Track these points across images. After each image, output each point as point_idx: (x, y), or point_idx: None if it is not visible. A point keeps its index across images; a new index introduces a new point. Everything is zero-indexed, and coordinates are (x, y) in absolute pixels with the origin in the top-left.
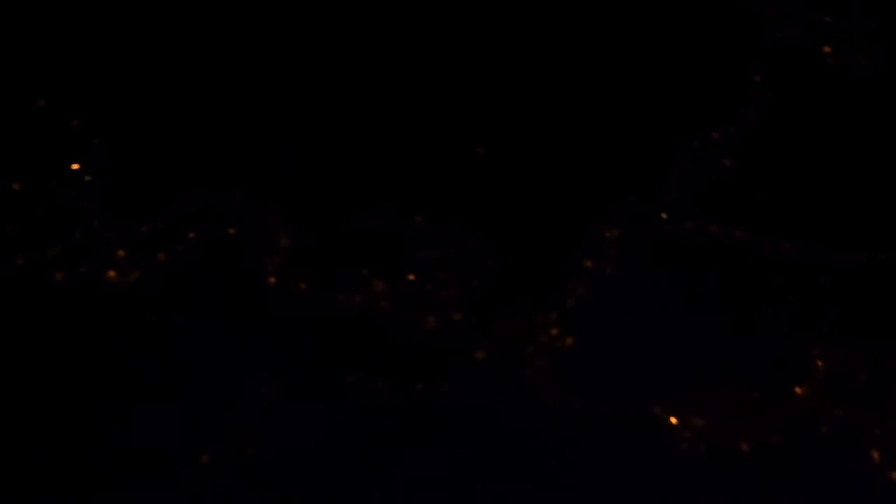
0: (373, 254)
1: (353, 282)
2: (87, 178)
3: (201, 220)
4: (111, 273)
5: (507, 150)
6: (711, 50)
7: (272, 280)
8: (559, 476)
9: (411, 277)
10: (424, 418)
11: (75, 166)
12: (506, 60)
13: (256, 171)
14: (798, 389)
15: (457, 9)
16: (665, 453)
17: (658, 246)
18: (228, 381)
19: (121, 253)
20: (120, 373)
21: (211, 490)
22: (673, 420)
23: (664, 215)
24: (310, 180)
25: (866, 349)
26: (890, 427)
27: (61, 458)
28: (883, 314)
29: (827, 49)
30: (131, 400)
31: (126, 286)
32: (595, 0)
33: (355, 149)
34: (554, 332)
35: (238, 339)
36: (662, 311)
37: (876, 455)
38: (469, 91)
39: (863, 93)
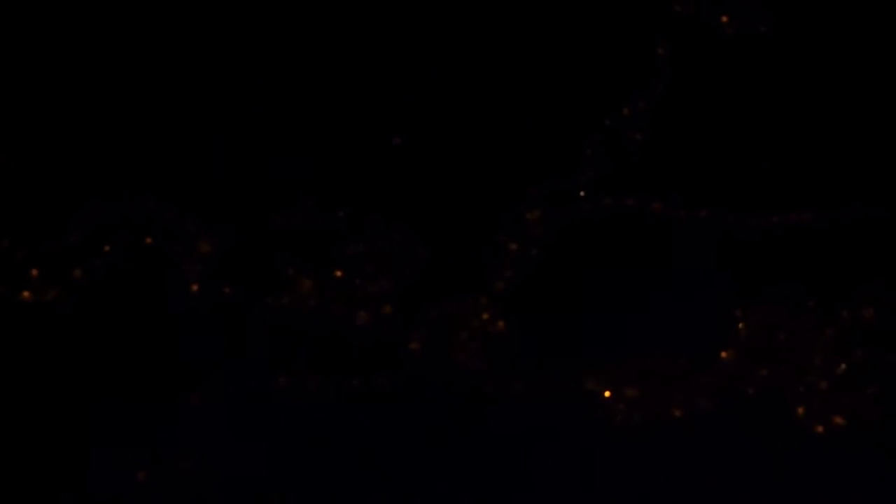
0: (297, 252)
1: (279, 282)
2: None
3: (115, 231)
4: (26, 294)
5: (423, 138)
6: (616, 26)
7: (195, 287)
8: (502, 459)
9: (339, 273)
10: (361, 414)
11: None
12: (414, 47)
13: (167, 175)
14: (723, 353)
15: None
16: (601, 426)
17: (578, 223)
18: (156, 392)
19: (34, 272)
20: (47, 392)
21: None
22: (606, 393)
23: (582, 193)
24: (226, 180)
25: (784, 309)
26: (811, 383)
27: None
28: (797, 274)
29: (724, 18)
30: (62, 418)
31: (43, 305)
32: None
33: (270, 145)
34: (485, 316)
35: (163, 349)
36: (587, 287)
37: (800, 411)
38: (381, 80)
39: (761, 59)
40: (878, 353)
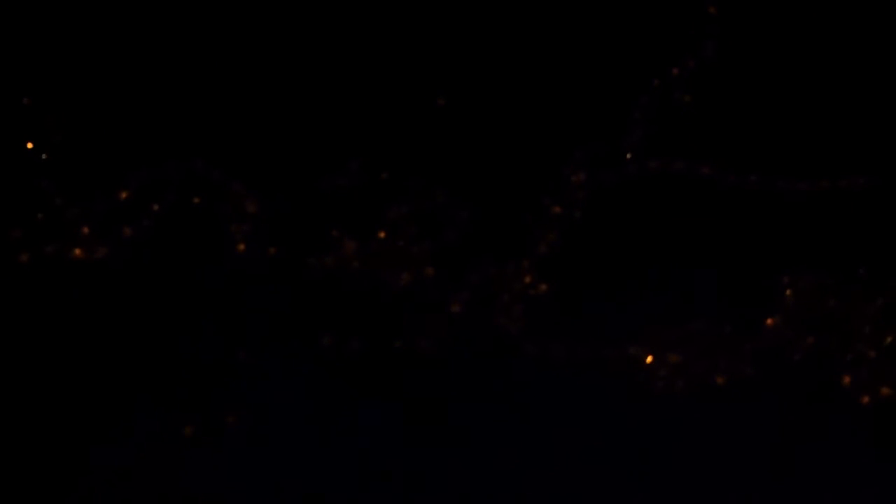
0: (341, 214)
1: (323, 243)
2: (44, 156)
3: (163, 192)
4: (77, 251)
5: (467, 100)
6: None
7: (241, 247)
8: (543, 422)
9: (382, 235)
10: (403, 376)
11: (30, 145)
12: (458, 9)
13: (216, 138)
14: (769, 321)
15: None
16: (643, 391)
17: (624, 186)
18: (205, 351)
19: (85, 230)
20: (95, 351)
21: (195, 460)
22: (649, 359)
23: (629, 155)
24: (272, 143)
25: (834, 277)
26: (859, 352)
27: (35, 440)
28: (848, 241)
29: None
30: (109, 377)
31: (93, 263)
32: None
33: (316, 108)
34: (528, 279)
35: (211, 308)
36: (631, 252)
37: (847, 380)
38: (426, 42)
39: (815, 20)
40: None
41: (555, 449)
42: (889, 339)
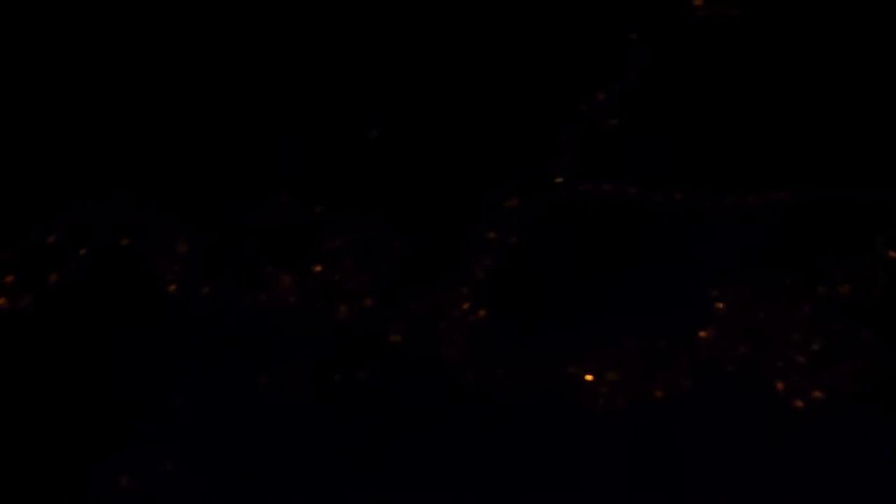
0: (275, 249)
1: (257, 280)
2: None
3: (90, 234)
4: (1, 300)
5: (399, 131)
6: (589, 12)
7: (172, 288)
8: (487, 448)
9: (318, 268)
10: (344, 409)
11: None
12: (386, 36)
13: (143, 175)
14: (702, 333)
15: None
16: (585, 410)
17: (557, 210)
18: (138, 396)
19: (9, 279)
20: (25, 399)
21: None
22: (588, 377)
23: (559, 179)
24: (201, 180)
25: (762, 287)
26: (789, 358)
27: None
28: (773, 253)
29: (698, 2)
30: (40, 425)
31: (18, 312)
32: None
33: (245, 142)
34: (466, 306)
35: (144, 353)
36: (567, 273)
37: (780, 386)
38: (354, 73)
39: (735, 42)
40: (854, 327)
41: (501, 471)
42: (817, 345)
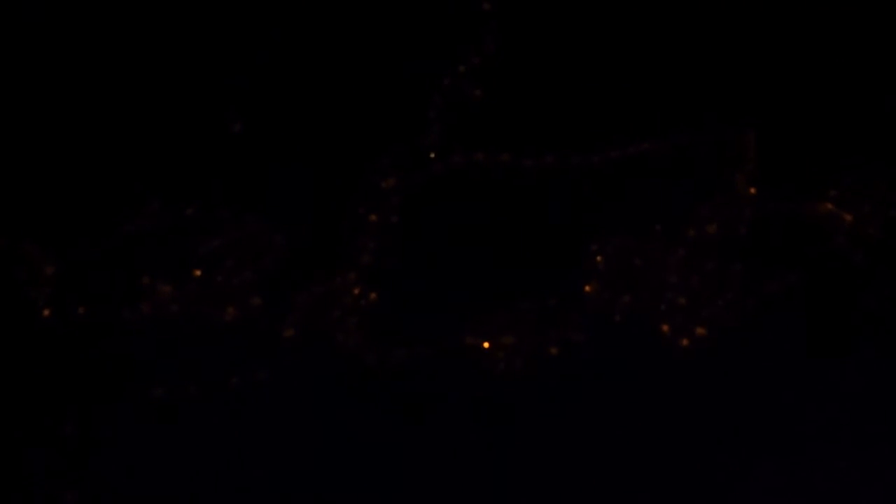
0: (150, 258)
1: (135, 292)
2: None
3: None
4: None
5: (263, 122)
6: None
7: (46, 313)
8: (399, 429)
9: (198, 273)
10: (245, 412)
11: None
12: (239, 29)
13: None
14: (587, 287)
15: None
16: (486, 376)
17: (433, 184)
18: (25, 428)
19: None
20: None
21: None
22: (486, 344)
23: (433, 154)
24: (62, 195)
25: (636, 236)
26: (670, 300)
27: None
28: (642, 202)
29: None
30: None
31: None
32: None
33: (103, 148)
34: (356, 291)
35: (25, 384)
36: (451, 244)
37: (666, 328)
38: (210, 65)
39: (583, 3)
40: (726, 263)
41: (416, 450)
42: (694, 285)
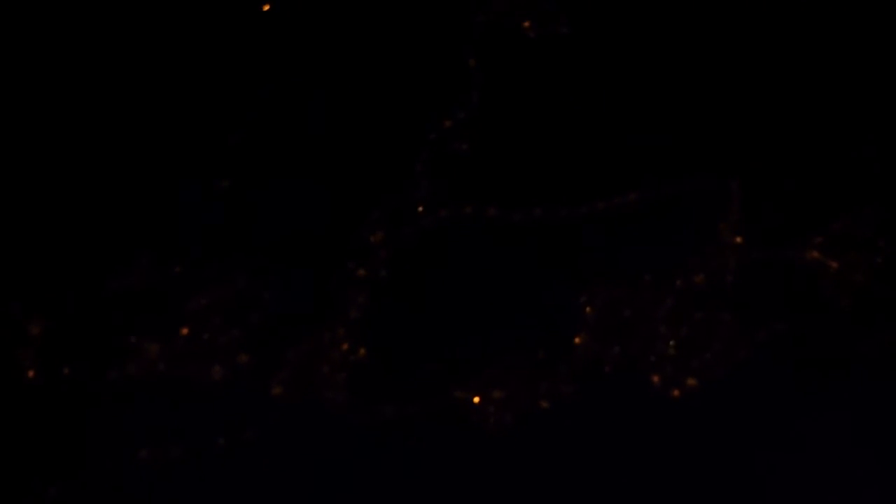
0: (137, 316)
1: (122, 351)
2: None
3: None
4: None
5: (250, 179)
6: (425, 43)
7: (31, 374)
8: (387, 487)
9: (185, 331)
10: (232, 473)
11: None
12: (232, 84)
13: None
14: (577, 339)
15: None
16: (476, 431)
17: (422, 238)
18: (12, 491)
19: None
20: None
21: None
22: (476, 399)
23: (420, 208)
24: (46, 251)
25: (624, 287)
26: (660, 351)
27: None
28: (631, 253)
29: (527, 24)
30: None
31: None
32: (303, 12)
33: (89, 205)
34: (345, 346)
35: (10, 446)
36: (440, 298)
37: (656, 379)
38: (201, 122)
39: (565, 57)
40: (714, 312)
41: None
42: (683, 334)
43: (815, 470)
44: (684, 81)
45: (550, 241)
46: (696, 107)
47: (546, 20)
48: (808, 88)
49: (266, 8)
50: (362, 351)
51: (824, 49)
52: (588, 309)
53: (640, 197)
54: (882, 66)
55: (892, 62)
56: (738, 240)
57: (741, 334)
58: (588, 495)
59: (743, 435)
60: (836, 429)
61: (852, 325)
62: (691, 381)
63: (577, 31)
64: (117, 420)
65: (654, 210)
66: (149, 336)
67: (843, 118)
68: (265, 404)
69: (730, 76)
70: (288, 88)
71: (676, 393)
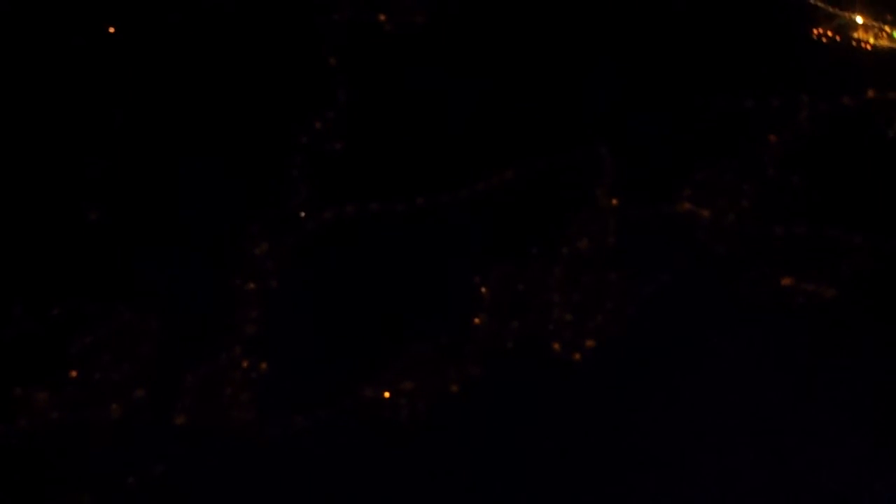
0: (19, 366)
1: (9, 409)
2: None
3: None
4: None
5: (120, 207)
6: (282, 44)
7: None
8: (305, 494)
9: (74, 374)
10: None
11: None
12: (87, 116)
13: None
14: (476, 320)
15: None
16: (391, 426)
17: (308, 243)
18: None
19: None
20: None
21: None
22: (386, 394)
23: (303, 213)
24: None
25: (514, 262)
26: (558, 318)
27: None
28: (514, 228)
29: (382, 17)
30: None
31: None
32: (162, 31)
33: None
34: (245, 364)
35: None
36: (335, 299)
37: (556, 346)
38: (62, 152)
39: (422, 48)
40: (601, 275)
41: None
42: (576, 299)
43: (711, 406)
44: (541, 57)
45: (437, 228)
46: (556, 82)
47: (401, 12)
48: (667, 50)
49: (111, 30)
50: (263, 365)
51: (676, 18)
52: (483, 289)
53: (517, 172)
54: (723, 25)
55: (735, 23)
56: (615, 202)
57: (629, 291)
58: (509, 472)
59: (644, 387)
60: (726, 369)
61: (728, 268)
62: (590, 343)
63: (434, 19)
64: (17, 477)
65: (530, 184)
66: (36, 385)
67: (700, 75)
68: (171, 436)
69: (582, 46)
70: (149, 109)
71: (577, 356)
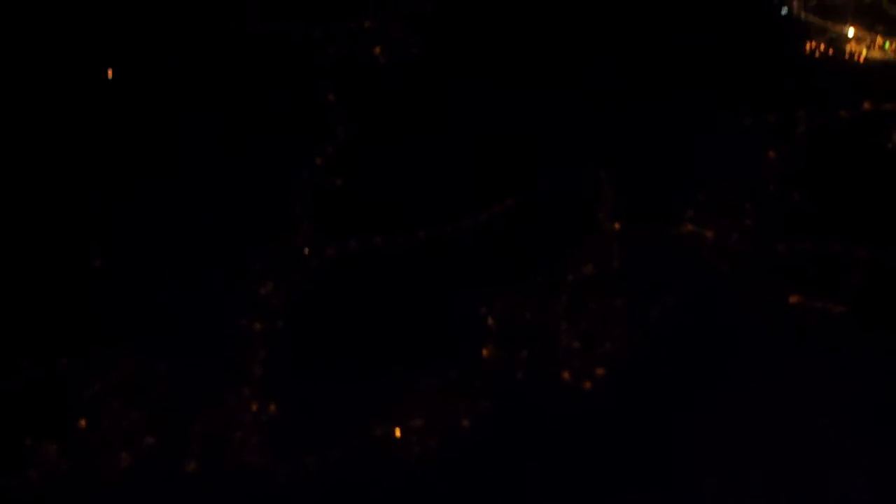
0: (27, 418)
1: (18, 460)
2: None
3: None
4: None
5: (125, 253)
6: (282, 84)
7: None
8: None
9: (83, 423)
10: None
11: None
12: (94, 157)
13: None
14: (485, 351)
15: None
16: (402, 465)
17: (313, 280)
18: None
19: None
20: None
21: None
22: (397, 432)
23: (307, 251)
24: None
25: (520, 292)
26: (567, 347)
27: None
28: (518, 257)
29: (377, 50)
30: None
31: None
32: (154, 71)
33: None
34: (254, 406)
35: None
36: (341, 336)
37: (566, 375)
38: (65, 200)
39: (418, 79)
40: (607, 300)
41: None
42: (583, 327)
43: (727, 428)
44: (537, 85)
45: (441, 259)
46: (553, 108)
47: (395, 44)
48: (655, 77)
49: (110, 74)
50: (272, 407)
51: (670, 39)
52: (490, 319)
53: (517, 201)
54: (717, 51)
55: (728, 46)
56: (617, 226)
57: (636, 315)
58: None
59: (655, 412)
60: (738, 390)
61: (734, 288)
62: (599, 371)
63: (427, 50)
64: None
65: (533, 211)
66: (45, 437)
67: (698, 97)
68: (182, 482)
69: (581, 75)
70: (147, 153)
71: (588, 385)
